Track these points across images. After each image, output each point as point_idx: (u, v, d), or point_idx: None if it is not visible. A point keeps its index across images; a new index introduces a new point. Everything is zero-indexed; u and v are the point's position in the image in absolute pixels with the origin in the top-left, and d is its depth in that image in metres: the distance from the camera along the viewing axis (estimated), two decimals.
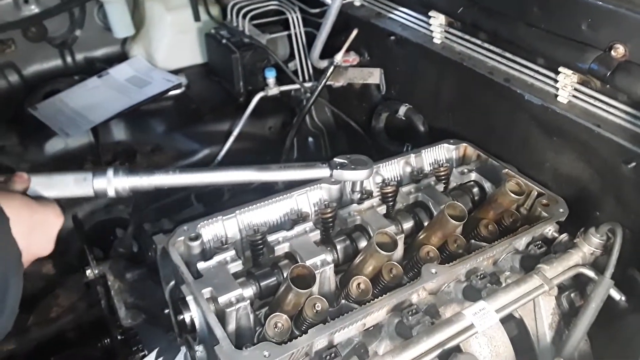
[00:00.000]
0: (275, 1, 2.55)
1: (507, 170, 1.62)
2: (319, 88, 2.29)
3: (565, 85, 1.55)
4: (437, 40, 1.99)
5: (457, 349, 1.19)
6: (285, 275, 1.29)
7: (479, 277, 1.33)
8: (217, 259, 1.26)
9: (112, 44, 2.91)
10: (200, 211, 2.22)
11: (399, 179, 1.68)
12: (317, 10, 2.50)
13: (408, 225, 1.50)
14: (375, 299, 1.19)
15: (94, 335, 1.85)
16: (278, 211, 1.48)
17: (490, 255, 1.38)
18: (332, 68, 2.21)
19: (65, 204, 1.15)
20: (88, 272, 1.69)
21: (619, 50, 1.38)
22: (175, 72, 2.75)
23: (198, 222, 1.36)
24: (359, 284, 1.22)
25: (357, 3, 2.38)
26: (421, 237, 1.42)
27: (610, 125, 1.47)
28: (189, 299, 1.19)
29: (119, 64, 2.76)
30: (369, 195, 1.54)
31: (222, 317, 1.15)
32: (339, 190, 1.54)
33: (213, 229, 1.39)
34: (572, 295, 1.40)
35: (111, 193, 1.19)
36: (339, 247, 1.41)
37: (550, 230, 1.48)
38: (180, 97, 2.66)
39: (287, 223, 1.45)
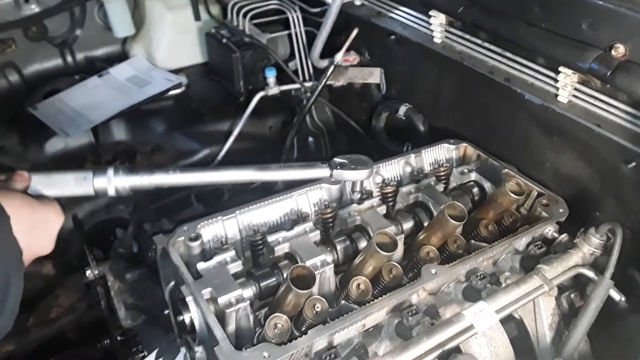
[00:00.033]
0: (276, 0, 2.55)
1: (507, 170, 1.62)
2: (319, 88, 2.29)
3: (566, 85, 1.55)
4: (437, 40, 1.99)
5: (457, 350, 1.19)
6: (285, 275, 1.29)
7: (478, 277, 1.33)
8: (217, 259, 1.26)
9: (113, 44, 2.91)
10: (200, 211, 2.22)
11: (399, 179, 1.68)
12: (317, 10, 2.49)
13: (408, 225, 1.50)
14: (375, 300, 1.19)
15: (93, 336, 1.85)
16: (278, 211, 1.48)
17: (490, 255, 1.38)
18: (332, 67, 2.21)
19: (65, 204, 1.15)
20: (88, 272, 1.69)
21: (619, 50, 1.38)
22: (176, 71, 2.75)
23: (198, 222, 1.36)
24: (358, 284, 1.22)
25: (358, 2, 2.38)
26: (421, 237, 1.42)
27: (610, 125, 1.47)
28: (189, 299, 1.19)
29: (119, 63, 2.77)
30: (369, 195, 1.54)
31: (221, 317, 1.15)
32: (339, 190, 1.53)
33: (213, 229, 1.39)
34: (572, 295, 1.40)
35: (111, 192, 1.19)
36: (338, 247, 1.41)
37: (550, 230, 1.48)
38: (181, 96, 2.66)
39: (287, 223, 1.45)
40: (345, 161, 1.41)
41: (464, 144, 1.77)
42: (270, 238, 1.34)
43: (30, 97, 2.57)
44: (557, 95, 1.59)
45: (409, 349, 1.14)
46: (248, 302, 1.17)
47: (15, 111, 2.53)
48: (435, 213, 1.49)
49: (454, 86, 1.95)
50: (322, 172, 1.40)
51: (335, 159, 1.41)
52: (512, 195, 1.41)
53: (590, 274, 1.35)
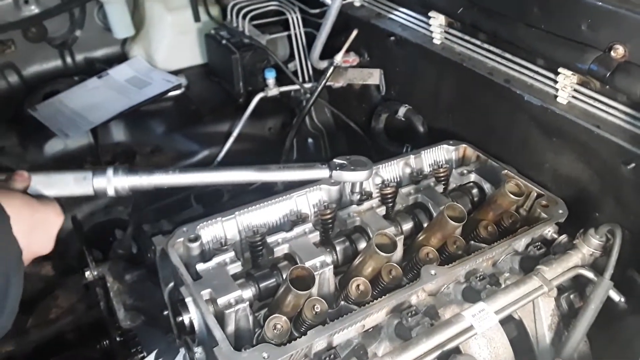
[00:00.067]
0: (275, 1, 2.55)
1: (506, 171, 1.62)
2: (319, 89, 2.29)
3: (565, 86, 1.55)
4: (437, 41, 1.99)
5: (457, 351, 1.19)
6: (284, 276, 1.29)
7: (478, 278, 1.33)
8: (216, 260, 1.26)
9: (112, 45, 2.91)
10: (200, 212, 2.22)
11: (398, 180, 1.68)
12: (317, 11, 2.50)
13: (407, 226, 1.50)
14: (375, 301, 1.19)
15: (93, 337, 1.84)
16: (277, 212, 1.48)
17: (489, 256, 1.38)
18: (332, 69, 2.21)
19: (65, 205, 1.14)
20: (87, 273, 1.69)
21: (618, 51, 1.38)
22: (175, 72, 2.75)
23: (197, 223, 1.36)
24: (358, 285, 1.22)
25: (357, 3, 2.38)
26: (420, 238, 1.42)
27: (609, 126, 1.47)
28: (188, 300, 1.19)
29: (119, 64, 2.76)
30: (368, 196, 1.54)
31: (221, 318, 1.15)
32: (338, 191, 1.54)
33: (212, 230, 1.39)
34: (572, 296, 1.40)
35: (111, 192, 1.19)
36: (338, 248, 1.41)
37: (549, 231, 1.48)
38: (180, 97, 2.66)
39: (287, 224, 1.45)
40: (345, 162, 1.41)
41: (464, 145, 1.77)
42: (270, 239, 1.34)
43: (30, 98, 2.57)
44: (556, 97, 1.59)
45: (408, 350, 1.14)
46: (247, 303, 1.17)
47: (15, 112, 2.53)
48: (434, 214, 1.49)
49: (454, 87, 1.95)
50: (322, 173, 1.40)
51: (334, 160, 1.41)
52: (512, 196, 1.41)
53: (589, 274, 1.35)
